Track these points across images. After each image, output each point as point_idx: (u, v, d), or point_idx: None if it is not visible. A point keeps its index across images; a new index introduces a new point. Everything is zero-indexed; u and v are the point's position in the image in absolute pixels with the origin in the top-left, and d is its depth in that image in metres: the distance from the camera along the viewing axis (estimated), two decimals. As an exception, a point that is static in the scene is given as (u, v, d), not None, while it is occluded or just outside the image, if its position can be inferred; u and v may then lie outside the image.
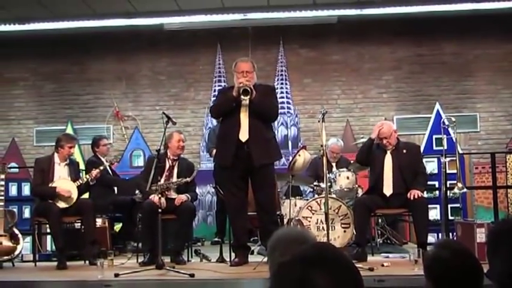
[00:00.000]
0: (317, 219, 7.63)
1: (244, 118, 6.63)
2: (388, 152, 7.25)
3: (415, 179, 7.13)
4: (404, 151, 7.26)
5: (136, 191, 8.20)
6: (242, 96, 6.48)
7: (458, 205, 8.55)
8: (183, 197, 7.20)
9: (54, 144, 7.73)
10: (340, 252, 1.69)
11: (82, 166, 8.95)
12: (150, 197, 6.98)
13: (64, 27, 10.82)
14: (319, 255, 1.65)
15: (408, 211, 7.25)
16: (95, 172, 7.55)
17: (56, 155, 7.58)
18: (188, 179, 7.08)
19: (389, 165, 7.18)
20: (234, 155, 6.59)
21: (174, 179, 7.25)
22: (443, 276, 2.63)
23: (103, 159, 8.55)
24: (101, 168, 7.75)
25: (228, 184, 6.90)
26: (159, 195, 6.53)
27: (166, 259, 6.60)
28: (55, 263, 7.06)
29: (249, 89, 6.47)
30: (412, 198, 6.90)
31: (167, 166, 7.35)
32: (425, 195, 7.53)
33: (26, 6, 10.00)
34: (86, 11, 10.32)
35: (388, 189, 7.11)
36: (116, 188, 9.09)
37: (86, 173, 7.96)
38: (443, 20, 11.02)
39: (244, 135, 6.59)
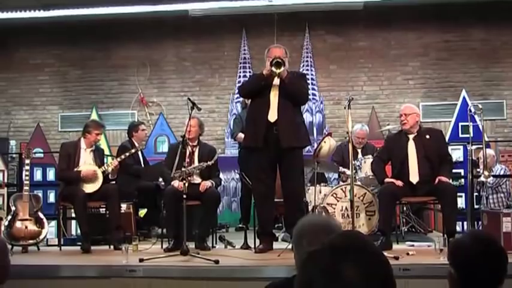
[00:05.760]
0: (342, 207, 7.62)
1: (274, 98, 6.55)
2: (411, 139, 7.08)
3: (441, 167, 6.97)
4: (428, 136, 7.08)
5: (160, 178, 8.23)
6: (273, 69, 6.35)
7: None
8: (208, 183, 7.18)
9: (78, 129, 7.76)
10: (370, 242, 1.66)
11: (107, 152, 8.96)
12: (172, 183, 6.99)
13: (89, 14, 10.85)
14: (349, 245, 1.62)
15: (436, 199, 7.15)
16: (114, 164, 7.57)
17: (82, 140, 7.59)
18: (210, 163, 7.03)
19: (413, 152, 7.01)
20: (263, 135, 6.52)
21: (196, 164, 7.20)
22: (465, 262, 2.60)
23: (136, 145, 8.56)
24: (131, 151, 7.86)
25: (255, 170, 6.82)
26: (183, 181, 6.46)
27: (191, 245, 6.56)
28: (80, 248, 7.10)
29: (280, 61, 6.36)
30: (438, 182, 6.77)
31: (188, 152, 7.33)
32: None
33: (51, -8, 10.03)
34: (112, -3, 10.34)
35: (414, 177, 6.94)
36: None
37: (116, 157, 7.98)
38: (471, 6, 10.91)
39: (273, 115, 6.51)
